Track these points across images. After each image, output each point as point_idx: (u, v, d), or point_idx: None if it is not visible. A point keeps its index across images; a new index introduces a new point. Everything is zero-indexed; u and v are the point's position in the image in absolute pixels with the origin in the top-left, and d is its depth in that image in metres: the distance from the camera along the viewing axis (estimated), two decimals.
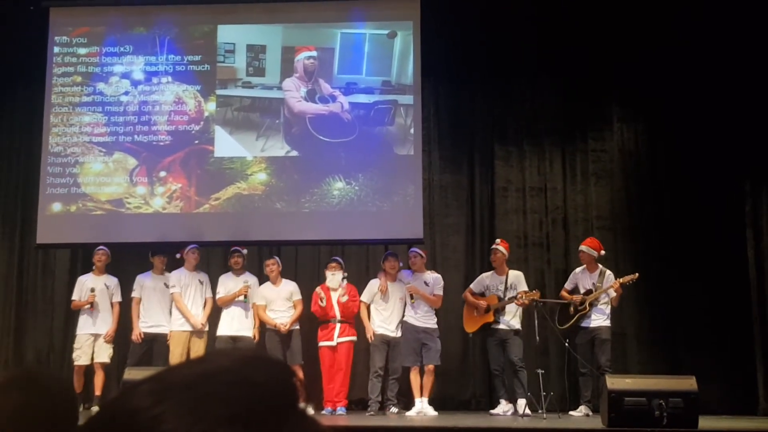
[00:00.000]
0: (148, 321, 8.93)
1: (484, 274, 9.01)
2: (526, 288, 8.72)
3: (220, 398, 0.75)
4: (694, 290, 9.46)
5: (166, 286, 9.01)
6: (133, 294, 8.99)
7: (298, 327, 8.90)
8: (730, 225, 9.56)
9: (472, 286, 8.97)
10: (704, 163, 9.65)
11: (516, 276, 8.86)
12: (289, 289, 8.96)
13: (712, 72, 9.68)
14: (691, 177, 9.71)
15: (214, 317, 9.03)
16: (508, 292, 8.72)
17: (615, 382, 7.05)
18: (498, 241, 9.01)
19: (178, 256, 9.11)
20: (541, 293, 9.26)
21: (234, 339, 8.78)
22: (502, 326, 8.67)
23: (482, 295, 8.87)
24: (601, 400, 7.46)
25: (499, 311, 8.68)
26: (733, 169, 9.60)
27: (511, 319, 8.70)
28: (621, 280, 8.48)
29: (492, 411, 8.69)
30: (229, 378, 0.78)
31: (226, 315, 8.89)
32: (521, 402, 8.37)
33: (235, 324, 8.83)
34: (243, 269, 9.05)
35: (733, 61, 9.61)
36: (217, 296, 8.92)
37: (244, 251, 9.10)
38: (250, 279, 9.02)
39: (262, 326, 8.94)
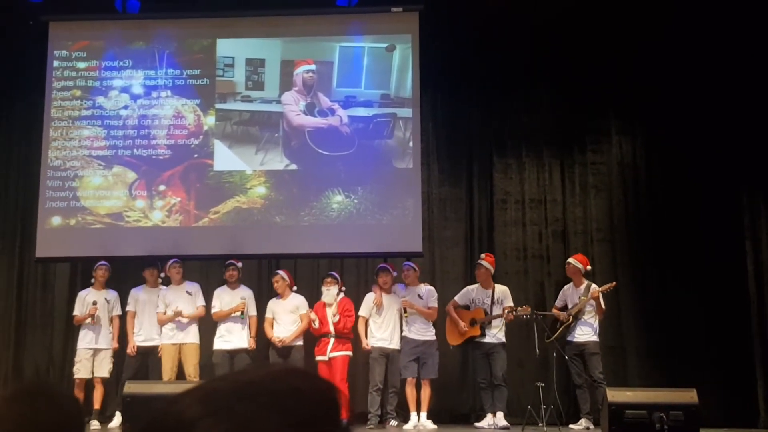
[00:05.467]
0: (142, 335, 8.95)
1: (470, 287, 9.01)
2: (511, 303, 8.74)
3: (272, 407, 0.75)
4: (693, 303, 9.46)
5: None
6: (128, 308, 9.05)
7: (301, 342, 8.85)
8: (728, 237, 9.56)
9: (456, 298, 8.96)
10: (702, 176, 9.67)
11: (502, 291, 8.87)
12: (295, 303, 8.92)
13: (710, 85, 9.71)
14: (689, 190, 9.73)
15: (210, 330, 9.02)
16: (494, 306, 8.73)
17: (615, 395, 7.04)
18: (483, 256, 9.03)
19: (163, 275, 9.12)
20: (541, 305, 9.28)
21: (230, 353, 8.75)
22: (488, 339, 8.67)
23: (467, 308, 8.87)
24: (601, 413, 7.46)
25: (486, 325, 8.68)
26: (731, 182, 9.62)
27: (498, 332, 8.70)
28: (600, 288, 8.56)
29: (477, 424, 8.68)
30: (275, 387, 0.77)
31: (221, 329, 8.87)
32: (500, 415, 8.46)
33: (231, 337, 8.81)
34: (238, 282, 9.04)
35: (730, 75, 9.64)
36: (213, 310, 8.91)
37: (239, 264, 9.09)
38: (245, 292, 8.99)
39: (267, 340, 8.89)
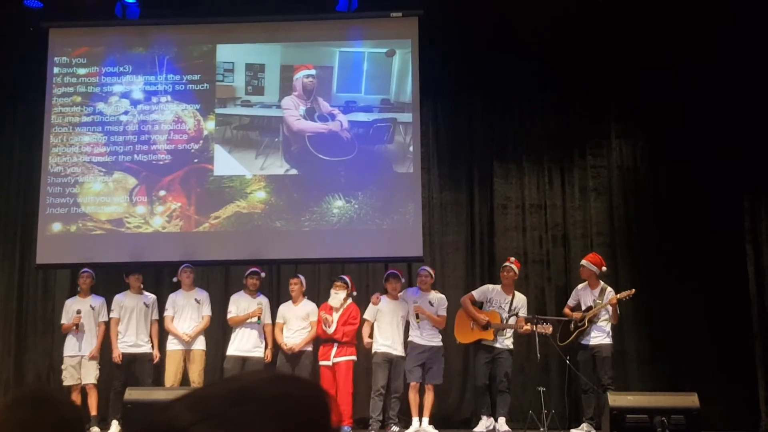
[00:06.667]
0: (127, 341, 8.88)
1: (491, 286, 8.95)
2: (526, 313, 8.71)
3: (263, 413, 0.75)
4: (694, 306, 9.45)
5: (146, 305, 9.00)
6: (112, 314, 8.93)
7: (310, 348, 8.82)
8: (729, 241, 9.56)
9: (474, 293, 8.91)
10: (703, 180, 9.68)
11: (521, 300, 8.84)
12: (306, 309, 8.88)
13: (711, 88, 9.71)
14: (689, 193, 9.73)
15: (217, 336, 9.00)
16: (511, 314, 8.69)
17: (617, 400, 7.05)
18: (512, 259, 8.99)
19: (175, 279, 9.09)
20: (542, 310, 9.27)
21: (244, 359, 8.71)
22: (497, 345, 8.65)
23: (480, 306, 8.84)
24: (603, 417, 7.46)
25: (499, 331, 8.66)
26: (732, 185, 9.62)
27: (505, 339, 8.69)
28: (618, 295, 8.49)
29: (475, 429, 8.64)
30: (267, 393, 0.78)
31: (236, 335, 8.83)
32: (501, 420, 8.43)
33: (246, 344, 8.77)
34: (257, 290, 9.02)
35: (731, 78, 9.65)
36: (229, 315, 8.89)
37: (263, 273, 9.08)
38: (263, 300, 8.98)
39: (277, 345, 8.86)
